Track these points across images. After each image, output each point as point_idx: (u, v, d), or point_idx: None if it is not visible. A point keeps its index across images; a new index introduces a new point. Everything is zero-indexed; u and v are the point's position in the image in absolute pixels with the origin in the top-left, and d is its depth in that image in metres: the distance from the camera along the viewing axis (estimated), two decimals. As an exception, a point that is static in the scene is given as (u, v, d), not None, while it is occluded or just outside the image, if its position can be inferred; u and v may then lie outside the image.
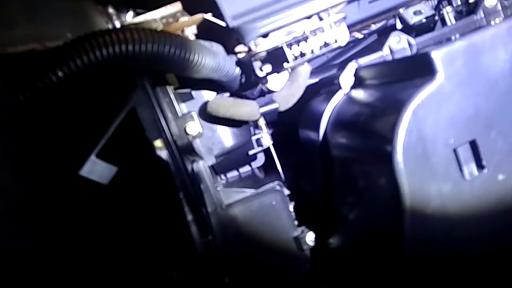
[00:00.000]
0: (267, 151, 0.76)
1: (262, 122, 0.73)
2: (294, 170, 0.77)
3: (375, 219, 0.57)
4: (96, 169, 0.64)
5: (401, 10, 0.77)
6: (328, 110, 0.67)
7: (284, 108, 0.72)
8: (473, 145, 0.50)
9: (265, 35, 0.63)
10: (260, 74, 0.66)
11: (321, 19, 0.65)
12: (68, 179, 0.66)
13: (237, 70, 0.67)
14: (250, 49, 0.64)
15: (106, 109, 0.65)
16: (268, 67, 0.67)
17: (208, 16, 0.64)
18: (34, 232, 0.66)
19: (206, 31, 0.66)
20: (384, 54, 0.68)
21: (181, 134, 0.66)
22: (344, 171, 0.64)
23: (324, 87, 0.75)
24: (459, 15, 0.78)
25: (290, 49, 0.64)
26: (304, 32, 0.64)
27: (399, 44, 0.68)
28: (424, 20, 0.75)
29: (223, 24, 0.63)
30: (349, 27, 0.67)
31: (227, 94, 0.72)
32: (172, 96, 0.67)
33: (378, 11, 0.76)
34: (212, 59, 0.61)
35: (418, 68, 0.51)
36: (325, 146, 0.67)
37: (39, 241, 0.66)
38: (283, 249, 0.69)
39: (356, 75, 0.67)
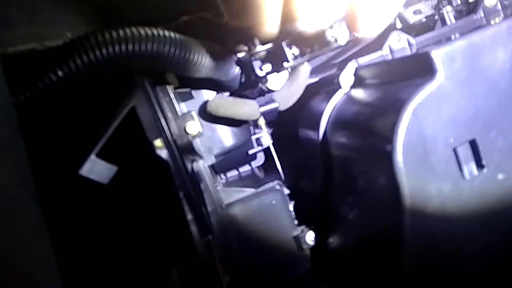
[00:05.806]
0: (267, 151, 0.76)
1: (262, 122, 0.73)
2: (294, 169, 0.77)
3: (375, 218, 0.57)
4: (96, 168, 0.64)
5: (400, 10, 0.77)
6: (328, 110, 0.67)
7: (284, 107, 0.72)
8: (473, 144, 0.50)
9: (265, 35, 0.63)
10: (260, 73, 0.66)
11: (321, 18, 0.65)
12: (68, 179, 0.66)
13: (237, 69, 0.67)
14: (250, 48, 0.63)
15: (106, 109, 0.65)
16: (268, 67, 0.66)
17: (208, 16, 0.64)
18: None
19: (206, 31, 0.66)
20: (384, 53, 0.68)
21: (181, 134, 0.66)
22: (344, 170, 0.64)
23: (324, 87, 0.75)
24: (459, 14, 0.78)
25: (290, 48, 0.64)
26: (304, 32, 0.64)
27: (399, 44, 0.68)
28: (424, 20, 0.75)
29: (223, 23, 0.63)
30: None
31: (227, 93, 0.72)
32: (172, 95, 0.67)
33: (378, 10, 0.76)
34: (212, 58, 0.61)
35: (418, 68, 0.51)
36: (325, 145, 0.67)
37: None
38: (283, 248, 0.69)
39: (356, 74, 0.67)
